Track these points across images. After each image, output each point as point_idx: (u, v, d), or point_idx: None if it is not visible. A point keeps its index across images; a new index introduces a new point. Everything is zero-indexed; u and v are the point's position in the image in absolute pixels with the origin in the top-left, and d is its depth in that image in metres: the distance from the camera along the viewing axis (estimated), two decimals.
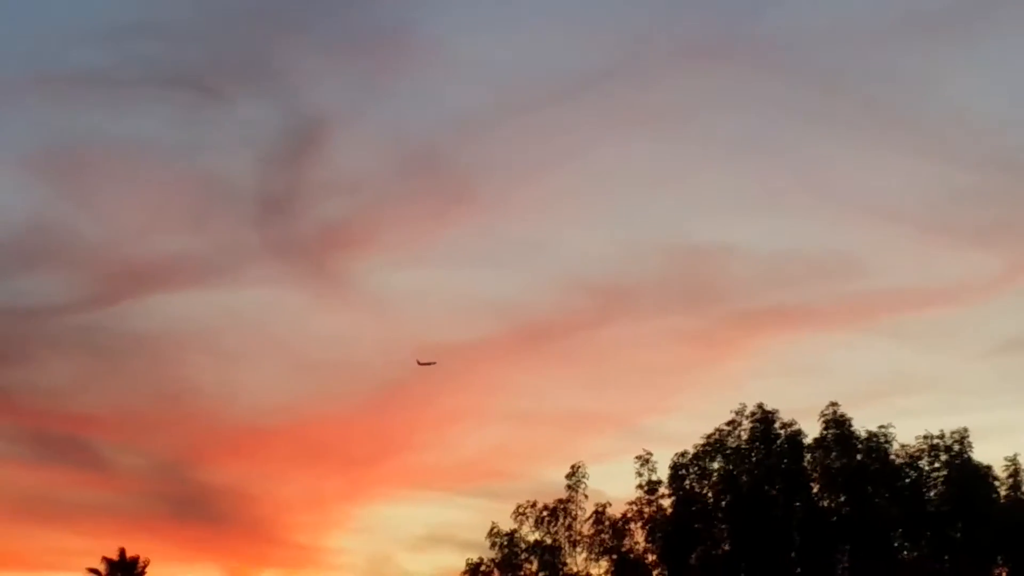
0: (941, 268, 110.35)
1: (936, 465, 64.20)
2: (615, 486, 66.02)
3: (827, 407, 63.82)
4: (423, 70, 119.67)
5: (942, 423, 64.91)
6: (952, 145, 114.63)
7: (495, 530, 63.94)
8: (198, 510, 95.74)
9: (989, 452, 64.93)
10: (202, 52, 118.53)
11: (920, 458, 64.15)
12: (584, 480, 64.26)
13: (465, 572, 63.88)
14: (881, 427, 63.98)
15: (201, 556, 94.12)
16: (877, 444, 63.29)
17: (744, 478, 63.11)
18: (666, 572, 63.22)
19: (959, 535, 63.33)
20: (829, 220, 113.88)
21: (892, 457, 63.85)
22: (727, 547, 62.85)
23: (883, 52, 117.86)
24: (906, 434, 64.27)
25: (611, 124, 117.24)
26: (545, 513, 64.02)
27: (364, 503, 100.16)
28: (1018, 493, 64.93)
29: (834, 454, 63.22)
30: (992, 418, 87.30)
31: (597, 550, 63.46)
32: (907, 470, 63.98)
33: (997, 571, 64.02)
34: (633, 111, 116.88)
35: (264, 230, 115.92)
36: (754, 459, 63.23)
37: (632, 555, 63.30)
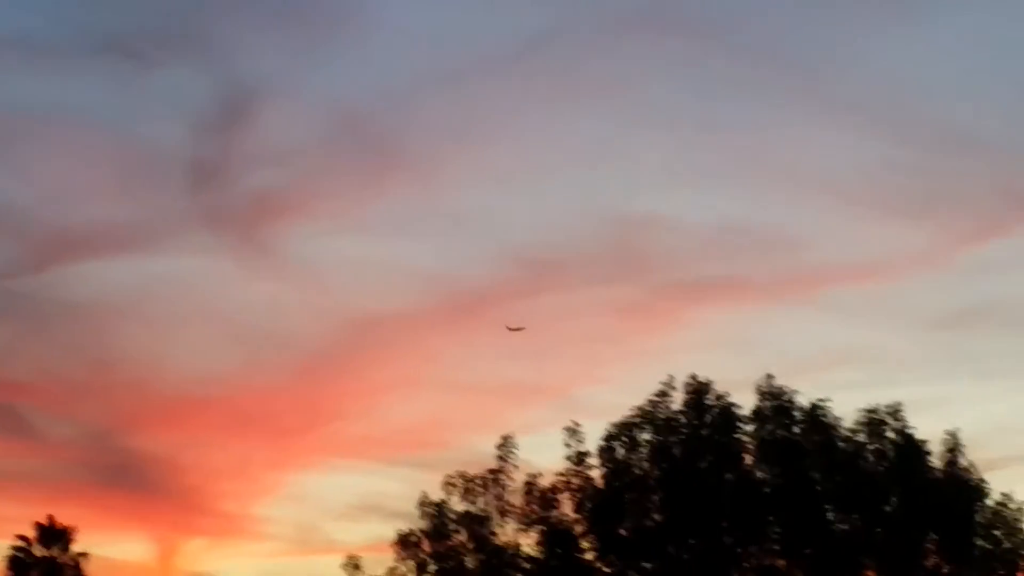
0: (876, 241, 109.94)
1: (872, 439, 63.70)
2: (546, 457, 65.33)
3: (763, 379, 63.23)
4: (356, 38, 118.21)
5: (876, 396, 64.51)
6: (887, 119, 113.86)
7: (425, 500, 63.25)
8: (127, 478, 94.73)
9: (924, 425, 64.52)
10: (133, 18, 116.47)
11: (856, 432, 63.63)
12: (514, 451, 63.65)
13: (395, 542, 63.14)
14: (821, 400, 63.51)
15: (130, 524, 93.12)
16: (816, 417, 62.72)
17: (676, 449, 62.49)
18: (595, 543, 62.36)
19: (893, 508, 62.83)
20: (764, 193, 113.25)
21: (831, 431, 63.29)
22: (658, 518, 62.12)
23: (818, 24, 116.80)
24: (839, 407, 63.80)
25: (545, 94, 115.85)
26: (475, 483, 63.26)
27: (293, 472, 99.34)
28: (954, 468, 64.57)
29: (770, 426, 62.60)
30: (926, 391, 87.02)
31: (526, 520, 62.80)
32: (843, 443, 63.44)
33: (929, 544, 63.44)
34: (567, 81, 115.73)
35: (195, 198, 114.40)
36: (686, 430, 62.57)
37: (561, 526, 62.53)
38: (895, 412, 63.71)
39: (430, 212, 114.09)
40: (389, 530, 63.60)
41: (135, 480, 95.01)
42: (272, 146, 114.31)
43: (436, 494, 63.43)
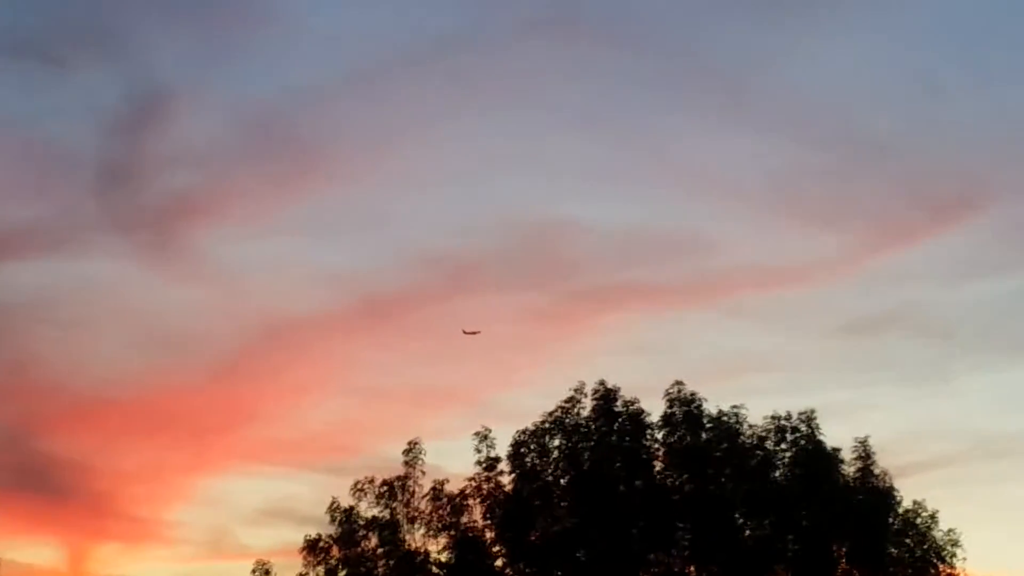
0: (788, 247, 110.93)
1: (783, 446, 63.59)
2: (457, 463, 65.02)
3: (672, 385, 63.08)
4: (267, 38, 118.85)
5: (788, 403, 64.74)
6: (799, 123, 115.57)
7: (335, 505, 62.79)
8: (37, 481, 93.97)
9: (834, 432, 64.63)
10: (42, 19, 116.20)
11: (767, 438, 63.48)
12: (421, 456, 63.34)
13: (303, 548, 62.62)
14: (733, 407, 63.38)
15: (39, 528, 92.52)
16: (726, 424, 62.55)
17: (585, 455, 62.18)
18: (504, 549, 61.99)
19: (805, 516, 62.68)
20: (676, 197, 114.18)
21: (740, 437, 63.11)
22: (567, 524, 61.77)
23: (733, 31, 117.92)
24: (752, 413, 63.68)
25: (458, 95, 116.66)
26: (383, 489, 62.82)
27: (205, 476, 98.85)
28: (866, 475, 64.53)
29: (679, 433, 62.37)
30: (838, 398, 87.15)
31: (435, 526, 62.39)
32: (754, 450, 63.27)
33: (841, 552, 63.35)
34: (480, 82, 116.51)
35: (107, 200, 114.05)
36: (595, 437, 62.28)
37: (471, 532, 62.15)
38: (807, 419, 63.55)
39: (345, 214, 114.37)
40: (299, 535, 63.25)
41: (46, 483, 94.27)
42: (185, 147, 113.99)
43: (346, 500, 62.92)
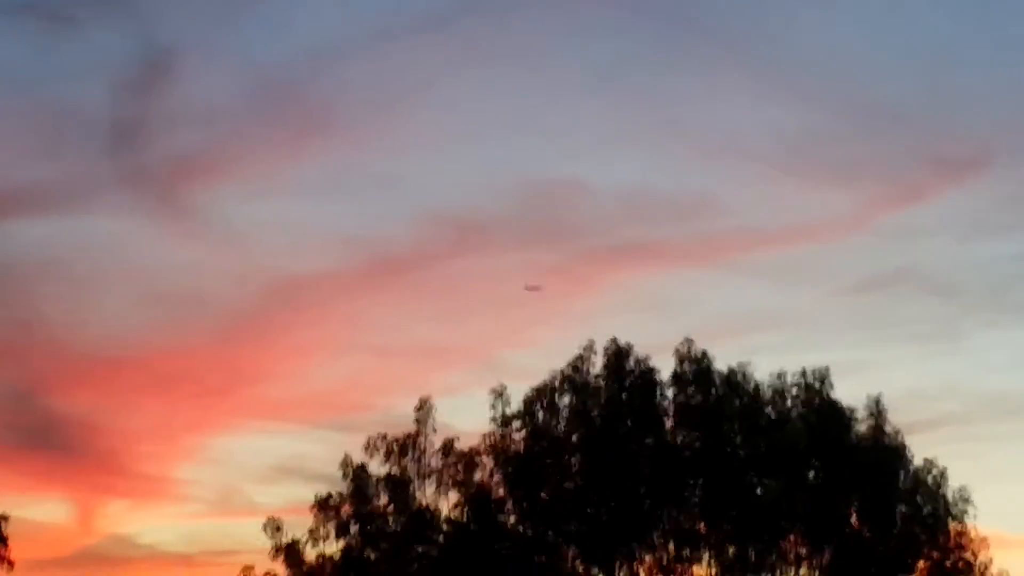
0: (796, 207, 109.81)
1: (794, 403, 63.56)
2: (467, 419, 65.23)
3: (682, 343, 63.01)
4: None
5: (798, 360, 64.62)
6: (809, 85, 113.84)
7: (347, 461, 62.80)
8: (46, 440, 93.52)
9: (846, 391, 64.52)
10: None
11: (779, 396, 63.45)
12: (432, 413, 63.07)
13: (314, 505, 62.66)
14: (741, 363, 63.36)
15: (48, 486, 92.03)
16: (736, 381, 62.52)
17: (595, 413, 62.19)
18: (515, 507, 62.10)
19: (815, 474, 62.76)
20: (684, 157, 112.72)
21: (751, 395, 63.09)
22: (578, 481, 61.87)
23: None
24: (762, 372, 63.73)
25: (468, 57, 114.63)
26: (395, 446, 62.81)
27: (214, 435, 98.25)
28: (877, 433, 64.51)
29: (691, 390, 62.38)
30: (848, 356, 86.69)
31: (446, 483, 62.41)
32: (765, 407, 63.27)
33: (851, 510, 63.41)
34: (490, 44, 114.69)
35: (115, 159, 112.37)
36: (606, 394, 62.28)
37: (482, 489, 62.20)
38: (820, 377, 63.51)
39: (351, 174, 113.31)
40: (310, 493, 63.03)
41: (54, 442, 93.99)
42: (193, 107, 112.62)
43: (358, 457, 62.87)
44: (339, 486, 62.73)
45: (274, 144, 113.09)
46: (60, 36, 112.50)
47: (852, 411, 64.27)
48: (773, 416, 62.96)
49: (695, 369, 62.06)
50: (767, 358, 65.43)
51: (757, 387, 63.36)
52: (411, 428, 62.98)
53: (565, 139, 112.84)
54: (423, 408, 62.87)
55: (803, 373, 63.93)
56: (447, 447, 62.35)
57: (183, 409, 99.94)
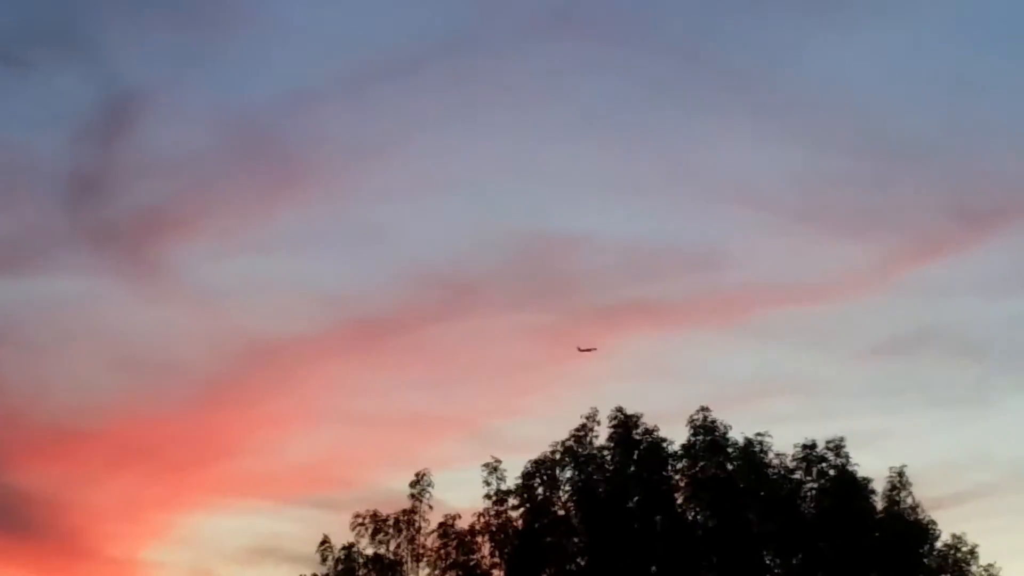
0: (813, 261, 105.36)
1: (811, 476, 59.74)
2: (460, 495, 61.01)
3: (696, 412, 59.28)
4: (249, 37, 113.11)
5: (815, 428, 61.23)
6: (825, 128, 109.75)
7: (326, 544, 58.69)
8: (3, 518, 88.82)
9: (866, 461, 60.65)
10: (6, 18, 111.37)
11: (794, 469, 59.65)
12: (429, 489, 59.20)
13: None
14: (758, 435, 59.53)
15: (5, 568, 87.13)
16: (752, 453, 58.66)
17: (600, 488, 58.35)
18: None
19: (835, 551, 58.74)
20: (692, 207, 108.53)
21: (767, 468, 59.28)
22: (582, 562, 57.94)
23: (753, 27, 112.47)
24: (776, 441, 59.79)
25: (458, 99, 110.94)
26: (386, 524, 58.80)
27: (185, 512, 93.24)
28: (899, 507, 60.70)
29: (702, 463, 58.47)
30: (868, 424, 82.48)
31: (442, 565, 58.39)
32: (781, 482, 59.40)
33: None
34: (482, 85, 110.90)
35: (75, 213, 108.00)
36: (611, 467, 58.45)
37: (479, 571, 58.19)
38: (836, 447, 59.77)
39: (332, 229, 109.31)
40: (288, 575, 58.90)
41: (12, 520, 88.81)
42: (159, 156, 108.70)
43: (342, 536, 59.20)
44: (318, 568, 58.77)
45: (247, 196, 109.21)
46: (14, 81, 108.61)
47: (869, 483, 60.24)
48: (789, 490, 58.82)
49: (709, 440, 58.08)
50: (782, 426, 61.62)
51: (772, 459, 59.27)
52: (398, 504, 59.68)
53: (560, 188, 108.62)
54: (419, 482, 59.02)
55: (814, 444, 60.07)
56: (446, 525, 58.25)
57: (152, 485, 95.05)
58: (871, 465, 60.57)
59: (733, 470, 58.35)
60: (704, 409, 59.00)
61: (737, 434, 58.91)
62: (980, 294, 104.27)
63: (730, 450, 58.47)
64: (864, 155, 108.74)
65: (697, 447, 58.40)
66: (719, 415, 59.20)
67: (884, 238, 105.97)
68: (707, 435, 58.35)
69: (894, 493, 60.60)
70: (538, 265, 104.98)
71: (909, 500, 60.76)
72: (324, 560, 58.64)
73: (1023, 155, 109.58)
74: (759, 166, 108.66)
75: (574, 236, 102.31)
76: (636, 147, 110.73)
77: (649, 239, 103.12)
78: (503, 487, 58.90)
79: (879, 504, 60.65)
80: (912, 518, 60.38)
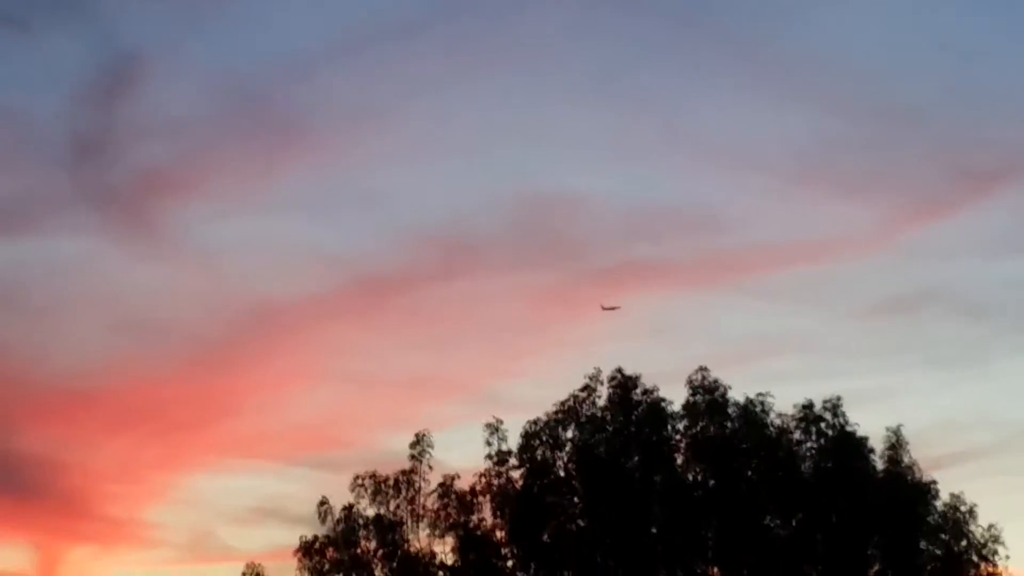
0: (812, 222, 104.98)
1: (811, 435, 59.55)
2: (460, 456, 60.78)
3: (695, 372, 59.08)
4: (252, 1, 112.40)
5: (813, 388, 61.16)
6: (824, 91, 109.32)
7: (324, 504, 58.52)
8: (4, 480, 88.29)
9: (864, 419, 60.50)
10: None
11: (793, 428, 59.47)
12: (429, 450, 58.98)
13: (297, 550, 58.39)
14: (759, 395, 59.40)
15: (7, 531, 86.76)
16: (753, 413, 58.47)
17: (601, 448, 58.19)
18: (516, 550, 57.82)
19: (835, 511, 58.64)
20: (694, 169, 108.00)
21: (767, 428, 59.11)
22: (582, 522, 57.80)
23: None
24: (778, 400, 59.74)
25: (458, 62, 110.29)
26: (386, 485, 58.56)
27: (185, 473, 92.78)
28: (897, 466, 60.56)
29: (702, 423, 58.31)
30: (868, 383, 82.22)
31: (442, 526, 58.25)
32: (780, 441, 59.24)
33: (873, 549, 59.31)
34: (483, 49, 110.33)
35: (77, 175, 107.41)
36: (612, 428, 58.24)
37: (479, 531, 58.01)
38: (834, 407, 59.54)
39: (334, 191, 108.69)
40: (290, 536, 59.05)
41: (14, 482, 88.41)
42: (160, 118, 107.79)
43: (342, 497, 58.88)
44: (318, 529, 58.65)
45: (248, 158, 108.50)
46: (13, 44, 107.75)
47: (867, 442, 60.06)
48: (790, 449, 58.65)
49: (709, 400, 57.88)
50: (782, 385, 61.53)
51: (772, 419, 59.09)
52: (399, 464, 59.35)
53: (562, 150, 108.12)
54: (419, 443, 58.78)
55: (813, 405, 59.78)
56: (446, 486, 58.04)
57: (152, 446, 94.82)
58: (870, 425, 60.64)
59: (733, 430, 58.12)
60: (703, 369, 58.92)
61: (738, 394, 58.84)
62: (980, 255, 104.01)
63: (730, 410, 58.24)
64: (864, 118, 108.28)
65: (696, 407, 58.19)
66: (719, 375, 59.27)
67: (884, 200, 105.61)
68: (706, 395, 58.13)
69: (892, 452, 60.36)
70: (539, 227, 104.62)
71: (907, 459, 60.55)
72: (324, 521, 58.28)
73: (1023, 117, 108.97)
74: (760, 129, 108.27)
75: (575, 198, 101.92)
76: (637, 110, 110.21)
77: (650, 201, 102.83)
78: (504, 448, 58.75)
79: (879, 464, 60.46)
80: (911, 478, 60.16)
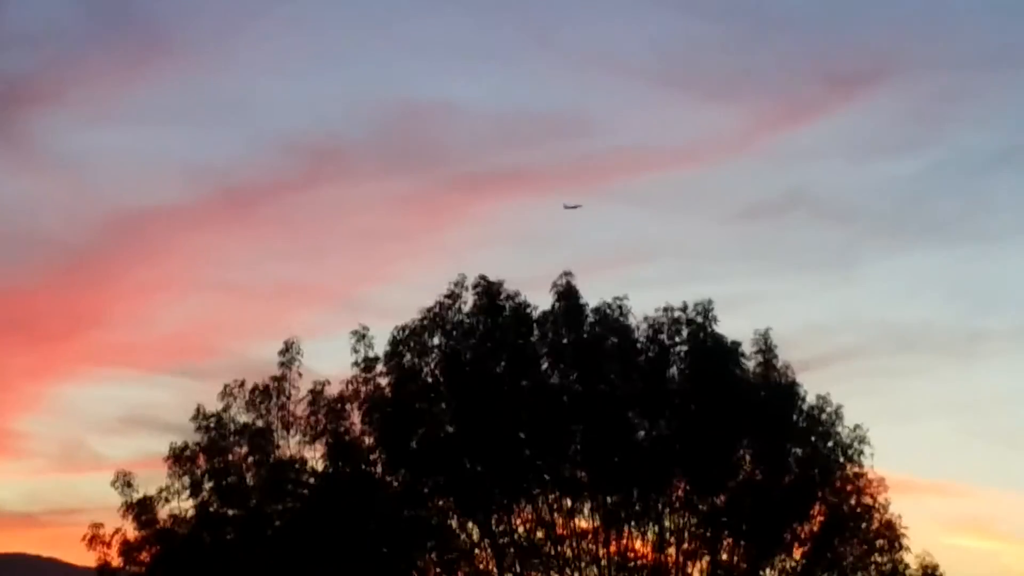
0: (679, 125, 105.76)
1: (678, 340, 59.98)
2: (330, 364, 61.04)
3: (559, 277, 59.36)
4: None
5: (682, 293, 61.04)
6: None
7: (201, 412, 58.94)
8: None
9: (734, 325, 60.87)
10: None
11: (661, 332, 59.87)
12: (299, 357, 59.37)
13: (168, 457, 58.89)
14: (616, 298, 59.76)
15: None
16: (610, 317, 58.86)
17: (467, 354, 58.56)
18: (385, 456, 58.42)
19: (702, 415, 59.20)
20: (558, 74, 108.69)
21: (631, 331, 59.49)
22: (451, 428, 58.34)
23: None
24: (644, 305, 59.97)
25: None
26: (256, 393, 58.98)
27: (53, 383, 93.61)
28: (767, 370, 61.11)
29: (564, 328, 58.71)
30: (735, 288, 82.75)
31: (312, 433, 58.66)
32: (647, 344, 59.68)
33: (741, 452, 60.08)
34: None
35: None
36: (478, 334, 58.61)
37: (349, 437, 58.52)
38: (703, 311, 59.89)
39: (198, 98, 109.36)
40: (162, 444, 59.16)
41: None
42: (22, 27, 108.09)
43: (210, 405, 59.12)
44: (191, 437, 59.11)
45: (112, 67, 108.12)
46: None
47: (739, 347, 60.44)
48: (653, 354, 59.10)
49: (565, 306, 58.21)
50: (648, 291, 61.68)
51: (639, 322, 59.51)
52: (269, 372, 59.72)
53: (424, 57, 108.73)
54: (289, 351, 59.17)
55: (684, 307, 60.00)
56: (315, 392, 58.51)
57: (19, 356, 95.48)
58: (740, 329, 60.96)
59: (593, 335, 58.48)
60: (567, 274, 59.15)
61: (596, 299, 59.08)
62: (847, 158, 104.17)
63: (589, 315, 58.57)
64: (730, 20, 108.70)
65: (557, 312, 58.54)
66: (585, 281, 59.52)
67: (750, 103, 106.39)
68: (567, 300, 58.42)
69: (761, 356, 60.89)
70: (405, 134, 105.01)
71: (777, 363, 61.10)
72: (198, 429, 58.73)
73: (890, 22, 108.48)
74: (623, 32, 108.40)
75: (439, 104, 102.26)
76: (501, 15, 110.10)
77: (514, 106, 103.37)
78: (371, 355, 58.99)
79: (750, 367, 60.98)
80: (779, 381, 60.73)
